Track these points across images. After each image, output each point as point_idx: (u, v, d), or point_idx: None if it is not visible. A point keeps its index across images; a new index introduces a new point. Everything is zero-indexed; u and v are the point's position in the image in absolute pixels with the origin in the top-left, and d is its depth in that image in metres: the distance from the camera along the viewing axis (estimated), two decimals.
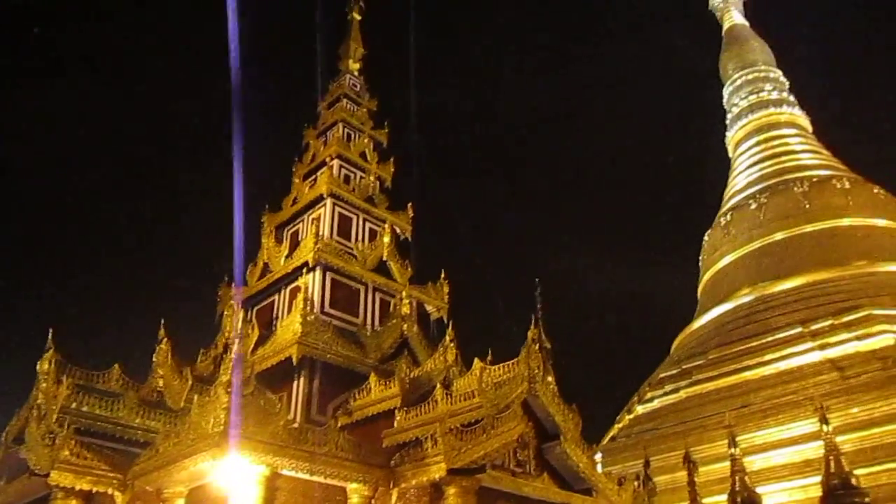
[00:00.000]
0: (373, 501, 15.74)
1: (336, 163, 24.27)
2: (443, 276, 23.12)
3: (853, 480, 22.80)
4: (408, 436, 16.23)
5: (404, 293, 21.61)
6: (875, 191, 44.34)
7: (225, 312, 21.70)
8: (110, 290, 51.93)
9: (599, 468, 19.68)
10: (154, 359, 18.78)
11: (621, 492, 18.08)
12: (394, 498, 15.51)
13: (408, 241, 24.35)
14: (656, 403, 36.94)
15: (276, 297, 21.83)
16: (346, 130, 25.76)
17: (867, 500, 22.38)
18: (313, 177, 24.57)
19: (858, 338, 32.12)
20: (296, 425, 15.36)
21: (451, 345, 18.51)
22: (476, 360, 17.04)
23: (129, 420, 16.34)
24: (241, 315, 16.91)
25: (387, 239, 22.65)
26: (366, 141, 25.78)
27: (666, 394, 36.87)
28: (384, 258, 22.37)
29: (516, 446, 16.18)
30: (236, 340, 14.20)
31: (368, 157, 25.37)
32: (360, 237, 23.25)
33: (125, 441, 16.13)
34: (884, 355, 28.71)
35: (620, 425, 37.95)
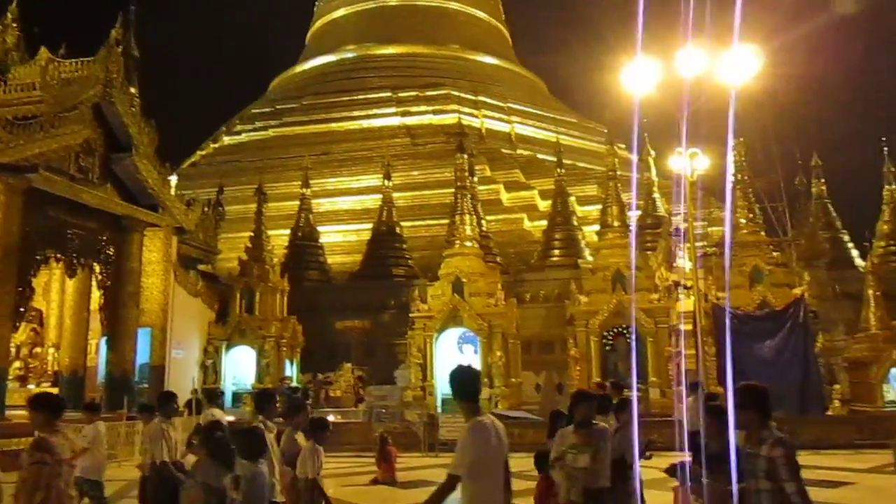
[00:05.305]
0: None
1: None
2: None
3: (398, 229, 26.49)
4: None
5: None
6: None
7: None
8: None
9: (174, 191, 19.39)
10: None
11: (188, 212, 18.25)
12: None
13: None
14: (244, 137, 37.22)
15: None
16: None
17: (405, 245, 26.33)
18: None
19: (434, 112, 35.93)
20: None
21: (14, 25, 15.69)
22: (43, 49, 14.83)
23: None
24: None
25: None
26: None
27: (255, 129, 37.26)
28: None
29: (80, 151, 14.94)
30: None
31: None
32: None
33: None
34: (450, 131, 32.60)
35: (204, 153, 37.62)
